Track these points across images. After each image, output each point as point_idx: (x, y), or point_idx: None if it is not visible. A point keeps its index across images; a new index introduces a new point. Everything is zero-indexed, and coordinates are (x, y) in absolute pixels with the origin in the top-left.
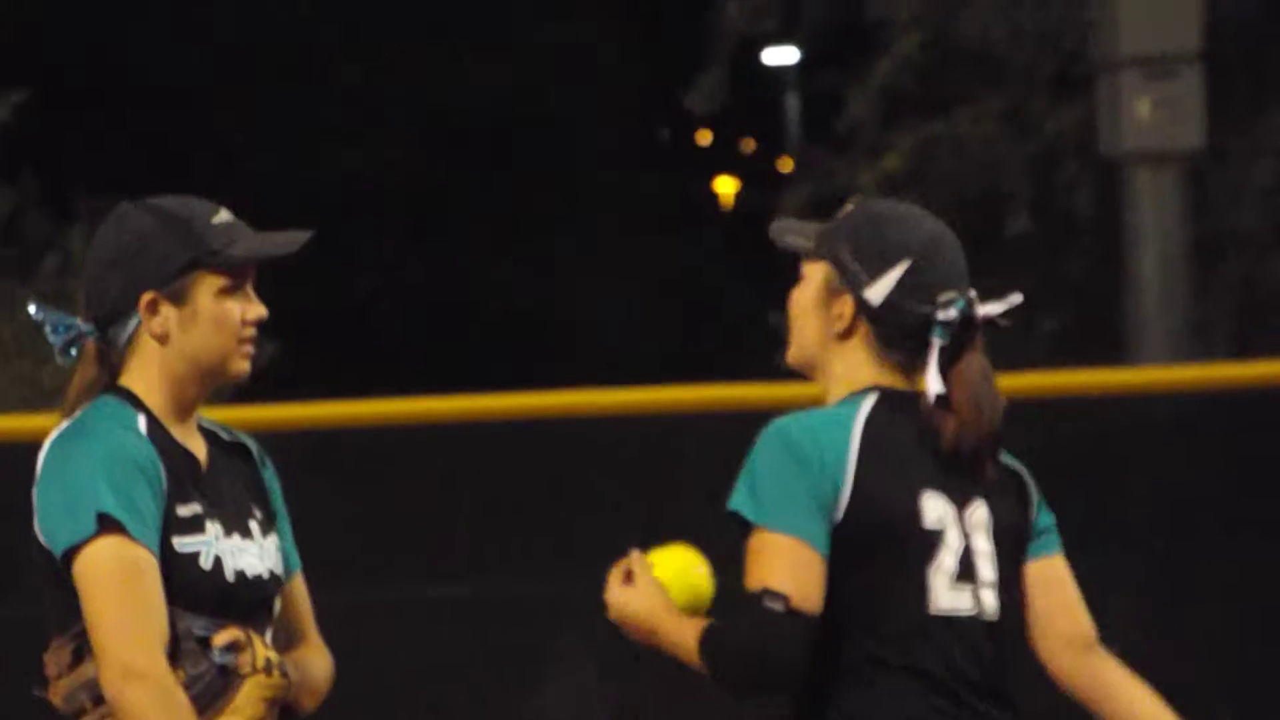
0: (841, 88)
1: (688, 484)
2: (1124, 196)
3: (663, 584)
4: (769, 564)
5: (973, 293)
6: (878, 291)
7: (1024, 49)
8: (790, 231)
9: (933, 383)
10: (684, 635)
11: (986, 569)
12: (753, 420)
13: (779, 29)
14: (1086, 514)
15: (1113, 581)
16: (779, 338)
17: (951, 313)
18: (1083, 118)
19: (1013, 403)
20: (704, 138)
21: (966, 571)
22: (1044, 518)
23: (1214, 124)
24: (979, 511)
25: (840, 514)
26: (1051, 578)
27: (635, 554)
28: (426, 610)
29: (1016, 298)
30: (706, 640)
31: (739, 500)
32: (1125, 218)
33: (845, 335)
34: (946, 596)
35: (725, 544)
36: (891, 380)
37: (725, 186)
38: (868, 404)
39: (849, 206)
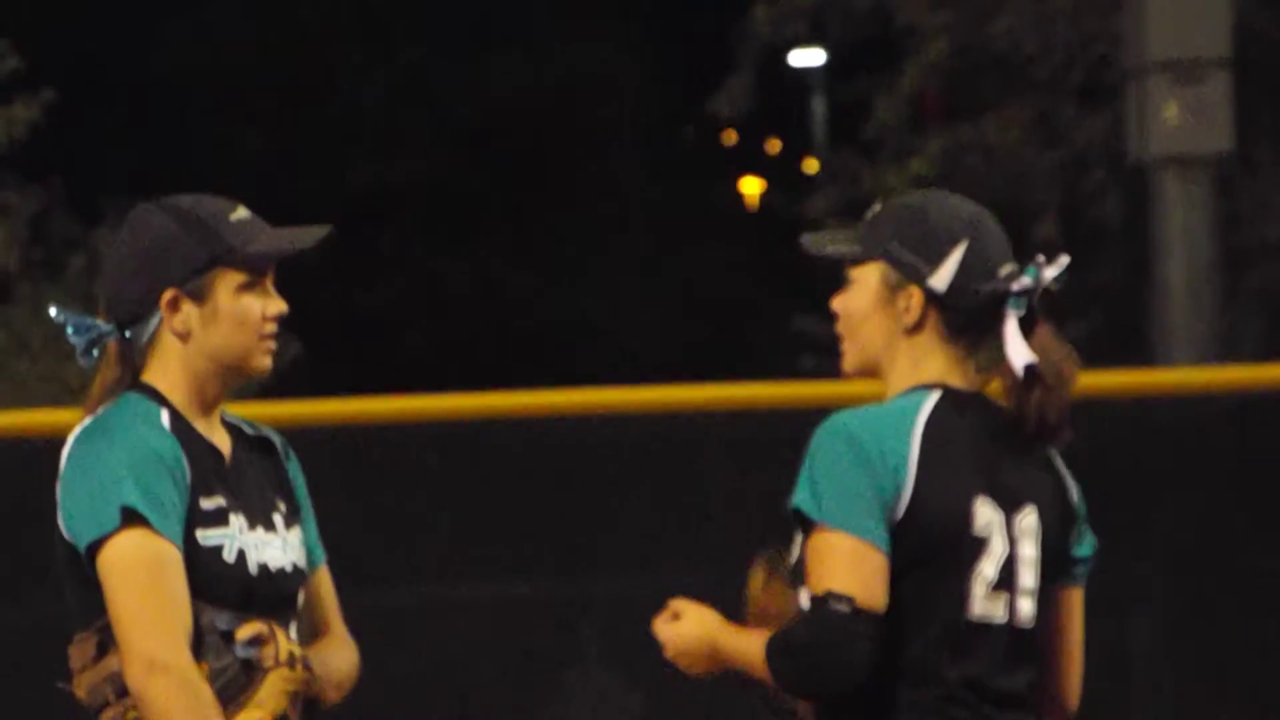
0: (869, 93)
1: (710, 484)
2: (1152, 203)
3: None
4: (832, 564)
5: (1040, 257)
6: (942, 278)
7: (1052, 56)
8: (828, 242)
9: (1022, 353)
10: (748, 645)
11: (1028, 577)
12: (776, 420)
13: (806, 33)
14: (1112, 518)
15: (1136, 586)
16: (806, 340)
17: (1027, 281)
18: (1111, 124)
19: None
20: (729, 138)
21: (1005, 579)
22: (1087, 544)
23: (1242, 134)
24: (1029, 518)
25: (899, 516)
26: (1063, 620)
27: (676, 602)
28: (446, 609)
29: (1065, 259)
30: (772, 646)
31: (801, 498)
32: (1153, 224)
33: (915, 329)
34: (981, 604)
35: (748, 546)
36: (959, 369)
37: (750, 188)
38: (930, 402)
39: (876, 207)
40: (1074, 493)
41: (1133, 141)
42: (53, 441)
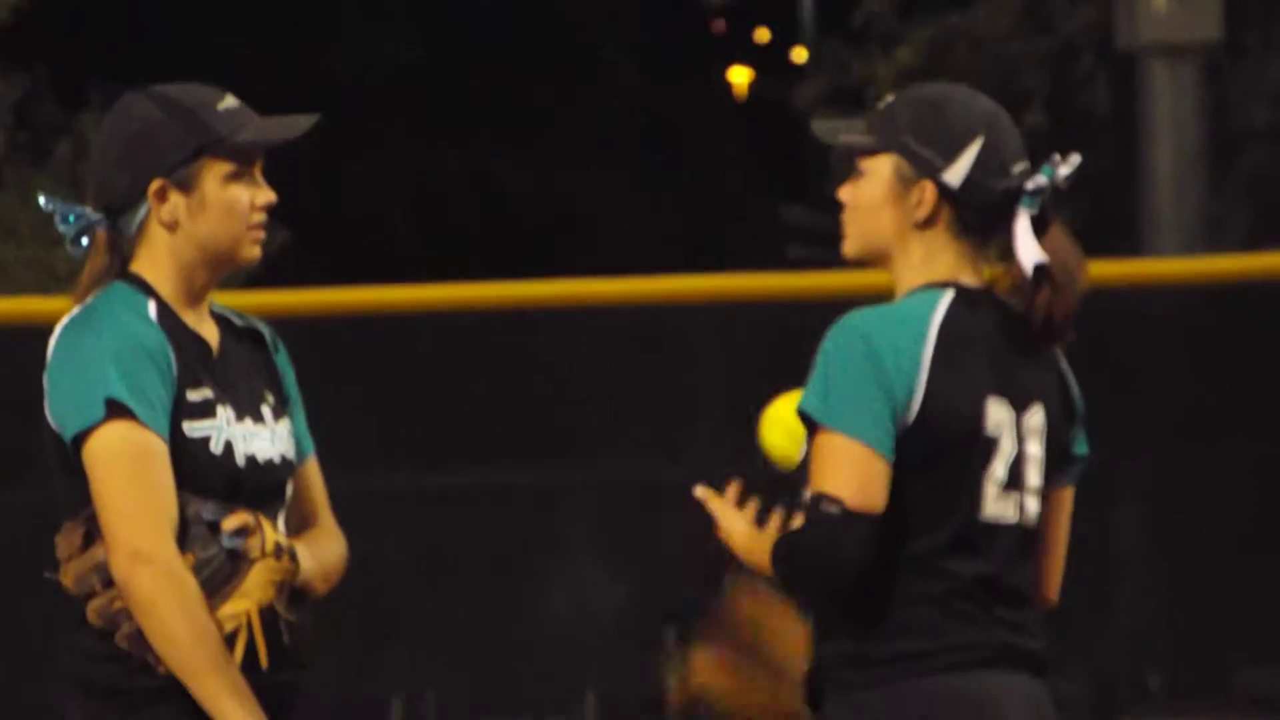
0: None
1: (697, 375)
2: (1140, 90)
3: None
4: (831, 467)
5: (1056, 156)
6: (957, 173)
7: None
8: (841, 130)
9: (1032, 252)
10: (762, 542)
11: (1034, 475)
12: (764, 311)
13: None
14: (1096, 405)
15: (1121, 473)
16: (794, 230)
17: (1042, 180)
18: (1099, 12)
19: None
20: (718, 28)
21: (1015, 479)
22: (1082, 446)
23: (1231, 21)
24: (1036, 417)
25: (911, 417)
26: (1054, 518)
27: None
28: (430, 498)
29: (1076, 158)
30: (775, 551)
31: (808, 401)
32: (1141, 111)
33: (926, 223)
34: (994, 505)
35: (733, 436)
36: (969, 266)
37: (739, 76)
38: (944, 303)
39: (890, 97)
40: (1075, 391)
41: (1121, 29)
42: (41, 328)
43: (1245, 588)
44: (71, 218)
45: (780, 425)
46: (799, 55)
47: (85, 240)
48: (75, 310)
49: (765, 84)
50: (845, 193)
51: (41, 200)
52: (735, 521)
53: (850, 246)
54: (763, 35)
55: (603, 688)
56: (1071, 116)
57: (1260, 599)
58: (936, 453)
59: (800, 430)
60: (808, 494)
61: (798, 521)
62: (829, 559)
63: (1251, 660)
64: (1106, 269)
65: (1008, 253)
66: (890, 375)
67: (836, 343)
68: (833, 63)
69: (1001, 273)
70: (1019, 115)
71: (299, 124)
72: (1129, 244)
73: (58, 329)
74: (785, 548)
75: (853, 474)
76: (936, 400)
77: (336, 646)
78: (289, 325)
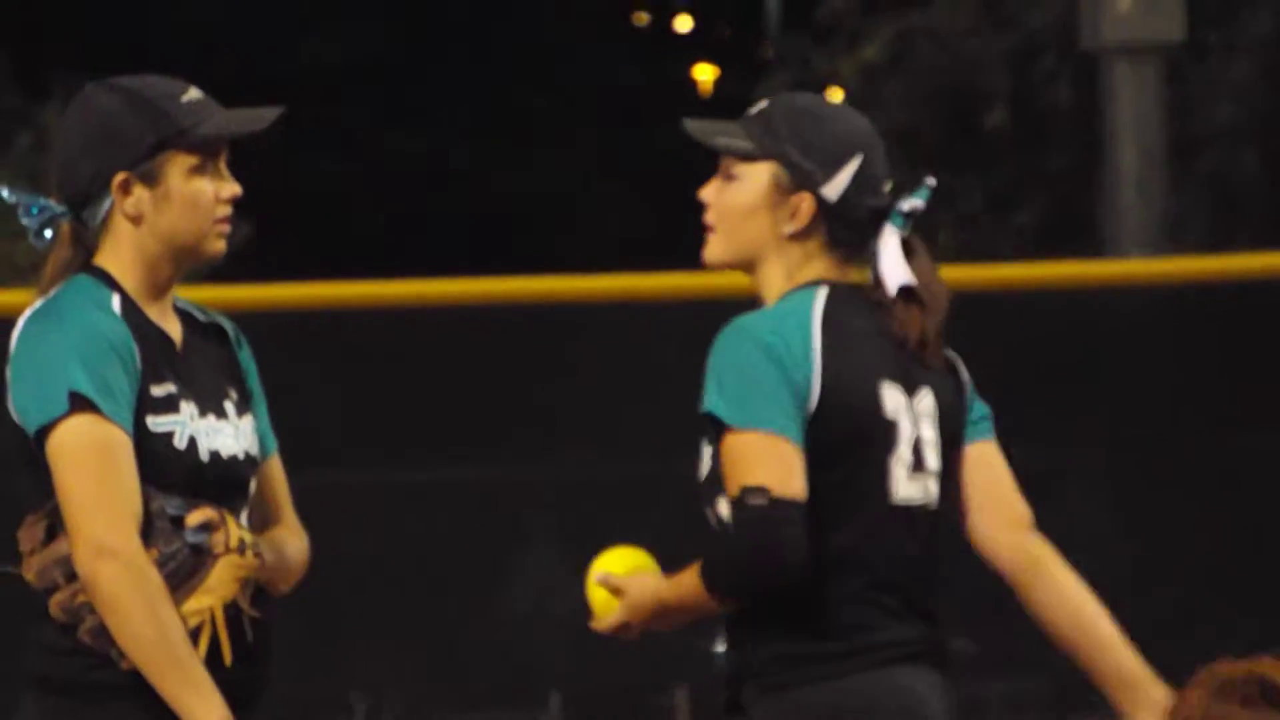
0: None
1: (665, 372)
2: (1103, 90)
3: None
4: (747, 463)
5: (930, 179)
6: (835, 187)
7: None
8: (717, 132)
9: (898, 272)
10: (682, 582)
11: (932, 458)
12: (732, 307)
13: None
14: (1059, 405)
15: (1081, 472)
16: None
17: (917, 202)
18: (1062, 11)
19: (989, 295)
20: (683, 24)
21: (919, 461)
22: (979, 406)
23: (1193, 20)
24: (926, 400)
25: (813, 406)
26: (987, 461)
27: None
28: (393, 494)
29: (932, 180)
30: (705, 567)
31: (712, 402)
32: (1104, 111)
33: (798, 235)
34: (905, 487)
35: (699, 429)
36: (834, 275)
37: (704, 74)
38: (821, 296)
39: (764, 103)
40: (961, 368)
41: (1085, 29)
42: (3, 321)
43: (1201, 578)
44: (35, 210)
45: (595, 597)
46: (765, 52)
47: (49, 233)
48: (38, 303)
49: (730, 80)
50: (710, 193)
51: (3, 192)
52: (636, 587)
53: (716, 251)
54: (727, 32)
55: (567, 686)
56: (1033, 115)
57: (1223, 591)
58: (842, 440)
59: (637, 555)
60: (728, 497)
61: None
62: (771, 552)
63: (1213, 654)
64: (1069, 269)
65: (869, 273)
66: (788, 369)
67: (729, 347)
68: (796, 59)
69: (870, 284)
70: (982, 113)
71: (264, 116)
72: (1091, 244)
73: (21, 321)
74: (717, 555)
75: (772, 464)
76: (834, 388)
77: (300, 643)
78: (251, 319)
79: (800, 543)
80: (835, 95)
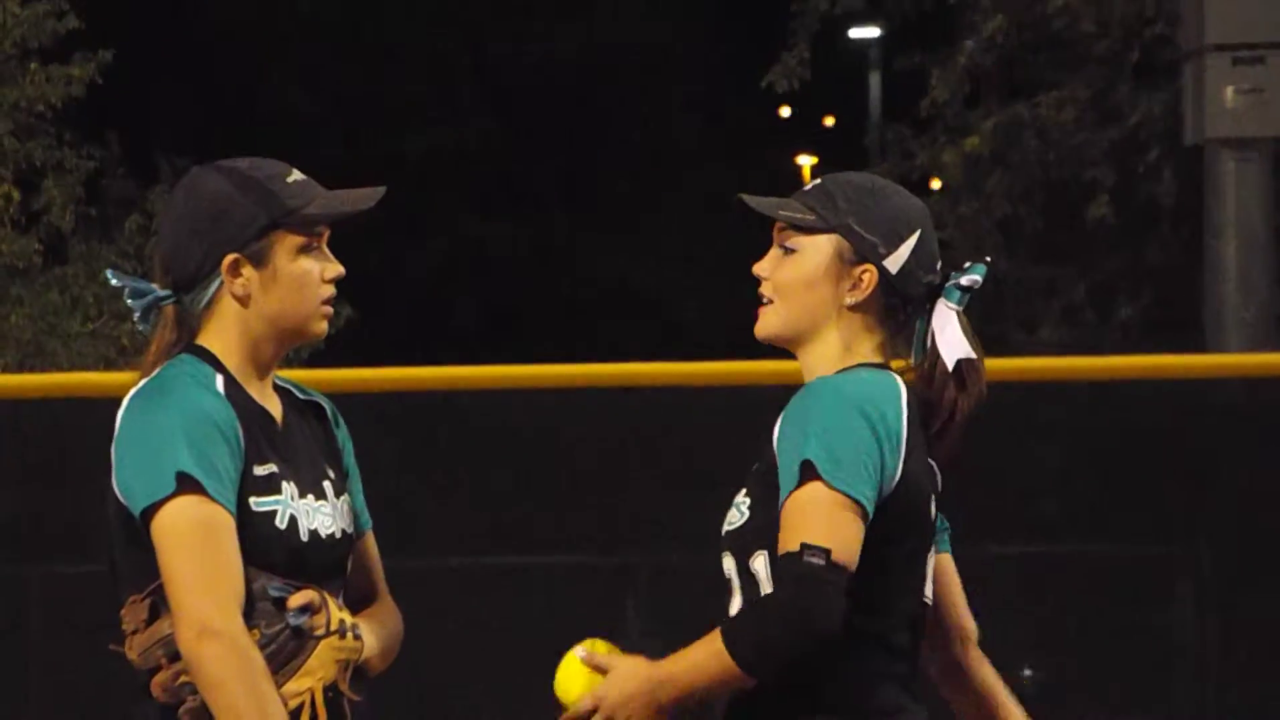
0: (925, 66)
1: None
2: (1207, 184)
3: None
4: (817, 520)
5: (988, 258)
6: (896, 260)
7: (1109, 34)
8: (779, 206)
9: (959, 347)
10: (694, 656)
11: (932, 559)
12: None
13: (864, 7)
14: (1161, 499)
15: (1183, 566)
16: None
17: (975, 278)
18: (1167, 104)
19: (1090, 386)
20: (785, 112)
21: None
22: (942, 521)
23: None
24: (932, 505)
25: (888, 491)
26: (945, 572)
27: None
28: (485, 578)
29: (989, 258)
30: (732, 631)
31: (814, 451)
32: (1207, 205)
33: (859, 306)
34: (928, 585)
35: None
36: (884, 353)
37: (806, 162)
38: (903, 386)
39: (818, 181)
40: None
41: (1189, 122)
42: (106, 402)
43: None
44: (139, 294)
45: (574, 680)
46: (865, 142)
47: (151, 317)
48: (143, 382)
49: (831, 169)
50: (767, 267)
51: (110, 277)
52: (625, 674)
53: (773, 323)
54: (829, 121)
55: None
56: (1137, 207)
57: None
58: (905, 528)
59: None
60: (781, 549)
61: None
62: (820, 612)
63: None
64: (1171, 361)
65: (909, 348)
66: (885, 447)
67: (830, 405)
68: (898, 149)
69: (905, 365)
70: (1084, 205)
71: (368, 196)
72: (1194, 337)
73: (125, 401)
74: (756, 619)
75: (842, 530)
76: (906, 480)
77: None
78: (349, 401)
79: (839, 611)
80: (936, 185)
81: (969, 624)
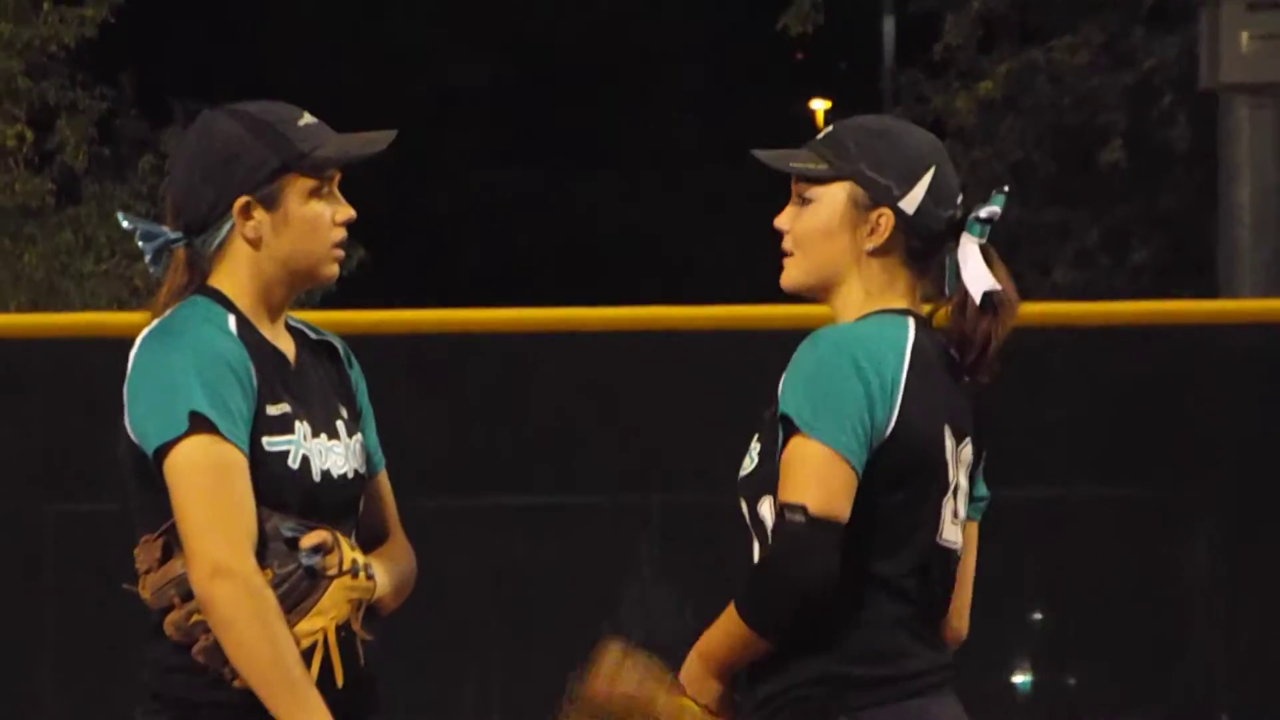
0: (939, 10)
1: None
2: (1221, 129)
3: None
4: (802, 476)
5: (1005, 187)
6: (912, 201)
7: None
8: (789, 158)
9: (983, 279)
10: (722, 626)
11: (962, 506)
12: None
13: None
14: (1172, 444)
15: (1194, 509)
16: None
17: (995, 209)
18: (1181, 49)
19: (1103, 331)
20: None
21: (957, 507)
22: (981, 487)
23: None
24: (966, 450)
25: (885, 436)
26: (968, 548)
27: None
28: (500, 519)
29: (1005, 188)
30: (740, 597)
31: (789, 404)
32: (1221, 151)
33: (879, 251)
34: (949, 529)
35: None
36: (912, 294)
37: (819, 106)
38: (912, 328)
39: (831, 128)
40: (983, 434)
41: (1204, 68)
42: (119, 342)
43: None
44: (151, 237)
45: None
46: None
47: (163, 259)
48: (155, 323)
49: (844, 114)
50: (787, 220)
51: (122, 219)
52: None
53: (795, 275)
54: (842, 65)
55: None
56: (1150, 153)
57: None
58: (905, 473)
59: None
60: (774, 507)
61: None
62: (796, 571)
63: None
64: (1184, 307)
65: (938, 284)
66: (874, 393)
67: (823, 353)
68: (911, 94)
69: (936, 306)
70: (1097, 150)
71: (379, 140)
72: (1207, 281)
73: (138, 341)
74: (750, 581)
75: (821, 482)
76: (909, 423)
77: (404, 667)
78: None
79: (826, 566)
80: (950, 129)
81: (957, 623)
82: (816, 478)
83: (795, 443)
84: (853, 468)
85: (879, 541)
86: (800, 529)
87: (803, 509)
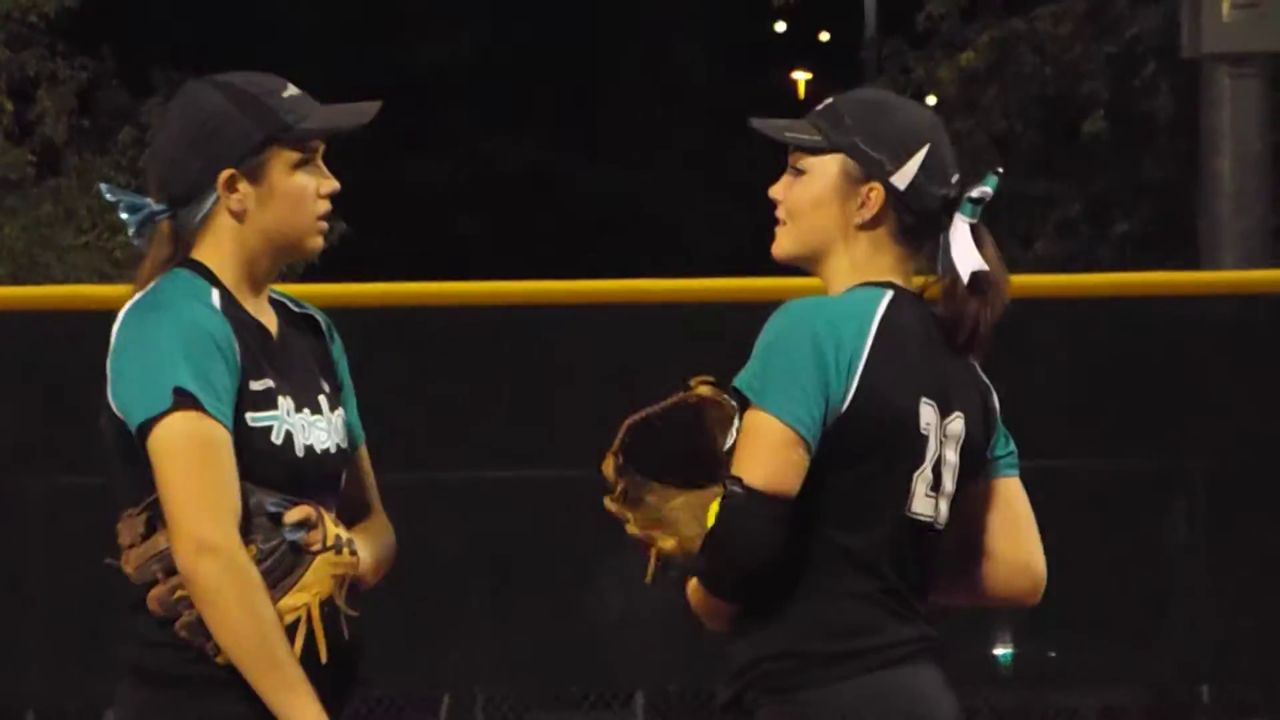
0: None
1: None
2: (1203, 99)
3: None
4: (749, 448)
5: (999, 169)
6: (904, 176)
7: None
8: (784, 128)
9: (971, 259)
10: (690, 585)
11: (949, 481)
12: None
13: None
14: (1156, 414)
15: (1180, 480)
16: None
17: (987, 189)
18: (1164, 18)
19: (1085, 302)
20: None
21: (937, 480)
22: (1007, 442)
23: None
24: (956, 423)
25: (844, 408)
26: (1009, 502)
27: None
28: (482, 492)
29: (999, 169)
30: (701, 565)
31: (744, 379)
32: (1203, 120)
33: (868, 224)
34: (920, 502)
35: None
36: (902, 270)
37: (800, 77)
38: (886, 299)
39: (830, 100)
40: (994, 399)
41: (1186, 37)
42: (101, 314)
43: None
44: (135, 209)
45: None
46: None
47: (147, 231)
48: (138, 296)
49: (826, 85)
50: (781, 190)
51: (105, 191)
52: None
53: (785, 244)
54: (824, 36)
55: (652, 686)
56: (1133, 123)
57: None
58: (868, 446)
59: None
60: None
61: None
62: (736, 542)
63: None
64: (1167, 278)
65: (933, 261)
66: (829, 365)
67: (782, 327)
68: (894, 64)
69: (929, 281)
70: (1080, 120)
71: (364, 111)
72: (1189, 251)
73: (121, 314)
74: (701, 550)
75: (766, 455)
76: (871, 394)
77: (387, 640)
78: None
79: (763, 538)
80: (932, 100)
81: (1032, 562)
82: (762, 450)
83: (748, 415)
84: (803, 439)
85: (842, 514)
86: (739, 501)
87: (741, 482)
